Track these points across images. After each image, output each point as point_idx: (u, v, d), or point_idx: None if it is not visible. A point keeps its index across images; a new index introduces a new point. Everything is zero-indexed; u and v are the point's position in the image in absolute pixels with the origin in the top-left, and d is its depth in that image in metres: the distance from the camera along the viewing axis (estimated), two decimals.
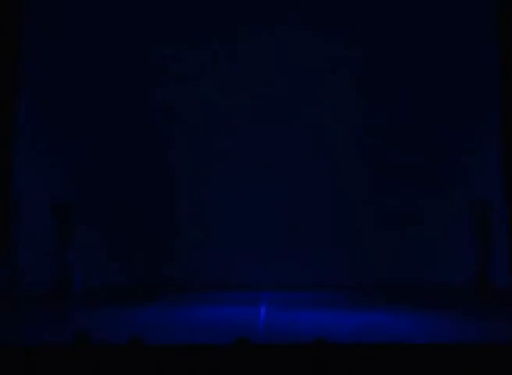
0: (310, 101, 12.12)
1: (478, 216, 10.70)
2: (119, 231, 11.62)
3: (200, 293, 11.33)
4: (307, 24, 11.92)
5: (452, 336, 7.66)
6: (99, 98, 11.90)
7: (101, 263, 11.11)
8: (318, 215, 12.12)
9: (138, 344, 6.03)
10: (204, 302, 10.48)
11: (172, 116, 12.04)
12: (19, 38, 10.48)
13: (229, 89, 12.09)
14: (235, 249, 12.08)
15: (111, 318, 9.23)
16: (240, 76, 12.05)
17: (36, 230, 11.16)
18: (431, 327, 8.29)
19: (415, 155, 11.79)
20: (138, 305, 10.19)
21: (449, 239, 11.31)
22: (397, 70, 11.86)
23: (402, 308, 9.69)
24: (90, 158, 11.86)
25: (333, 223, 12.00)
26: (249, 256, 12.08)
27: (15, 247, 10.87)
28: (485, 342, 6.95)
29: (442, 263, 11.24)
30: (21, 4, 10.61)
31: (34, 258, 11.03)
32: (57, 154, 11.71)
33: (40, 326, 8.51)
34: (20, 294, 10.64)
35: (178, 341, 7.33)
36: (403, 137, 11.85)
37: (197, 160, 12.17)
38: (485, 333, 7.80)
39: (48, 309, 9.78)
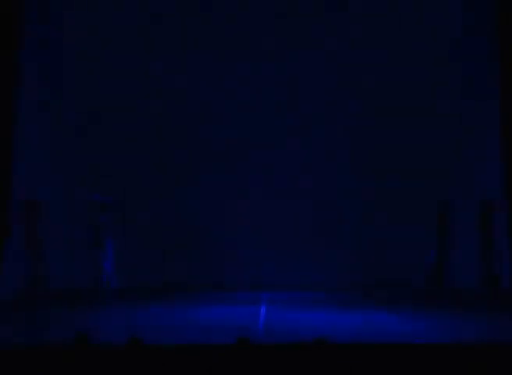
0: (312, 105, 12.19)
1: (439, 216, 10.75)
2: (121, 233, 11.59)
3: (200, 293, 11.35)
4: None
5: (452, 336, 7.67)
6: (101, 98, 11.92)
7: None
8: (317, 216, 12.14)
9: (138, 344, 6.03)
10: (205, 302, 10.48)
11: (183, 118, 12.12)
12: (19, 38, 10.46)
13: (232, 96, 12.15)
14: (236, 250, 12.09)
15: (111, 318, 9.24)
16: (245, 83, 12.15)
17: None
18: (431, 327, 8.30)
19: (412, 158, 11.87)
20: (138, 305, 10.20)
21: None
22: (395, 70, 11.90)
23: (402, 308, 9.71)
24: (89, 160, 11.90)
25: (333, 223, 12.03)
26: (250, 256, 12.08)
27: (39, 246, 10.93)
28: (485, 342, 6.95)
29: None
30: (21, 4, 10.59)
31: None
32: (57, 154, 11.74)
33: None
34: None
35: (178, 341, 7.33)
36: (398, 142, 11.92)
37: (199, 163, 12.21)
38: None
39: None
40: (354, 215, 11.97)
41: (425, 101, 11.88)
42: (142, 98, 12.05)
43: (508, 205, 10.70)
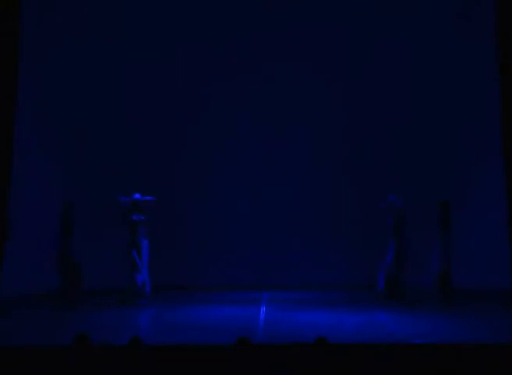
0: (306, 104, 12.24)
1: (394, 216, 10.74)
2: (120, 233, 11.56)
3: (200, 293, 11.35)
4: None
5: (452, 336, 7.68)
6: (103, 99, 11.92)
7: (102, 265, 11.10)
8: (317, 217, 12.15)
9: (138, 344, 6.03)
10: (204, 302, 10.49)
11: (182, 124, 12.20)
12: (19, 38, 10.46)
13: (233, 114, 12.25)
14: (236, 250, 12.10)
15: (111, 318, 9.23)
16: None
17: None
18: (431, 327, 8.30)
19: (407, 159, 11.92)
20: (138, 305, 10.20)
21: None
22: (395, 75, 11.94)
23: (402, 309, 9.71)
24: (90, 161, 11.92)
25: (333, 224, 12.03)
26: (249, 257, 12.10)
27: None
28: (484, 342, 6.95)
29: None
30: (21, 4, 10.58)
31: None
32: (57, 154, 11.74)
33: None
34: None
35: (178, 341, 7.33)
36: (395, 144, 11.97)
37: (200, 163, 12.25)
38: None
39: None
40: (354, 216, 11.97)
41: (425, 102, 11.92)
42: (144, 99, 12.10)
43: (508, 205, 10.69)
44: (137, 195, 10.55)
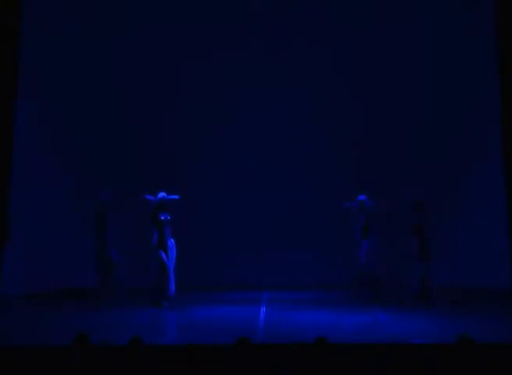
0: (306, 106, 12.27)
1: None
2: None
3: (200, 293, 11.34)
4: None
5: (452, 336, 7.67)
6: (104, 99, 11.92)
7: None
8: (317, 217, 12.16)
9: (138, 344, 6.03)
10: (205, 302, 10.49)
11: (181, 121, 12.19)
12: (19, 38, 10.47)
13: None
14: (236, 250, 12.10)
15: (112, 318, 9.23)
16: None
17: None
18: (431, 327, 8.30)
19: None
20: (138, 305, 10.19)
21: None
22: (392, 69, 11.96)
23: (402, 309, 9.71)
24: (91, 161, 11.93)
25: (333, 225, 12.02)
26: (249, 257, 12.10)
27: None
28: (485, 342, 6.95)
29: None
30: (21, 4, 10.59)
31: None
32: (58, 154, 11.75)
33: None
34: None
35: (178, 341, 7.33)
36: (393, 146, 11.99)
37: (201, 163, 12.26)
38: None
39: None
40: (354, 216, 11.98)
41: (424, 102, 11.93)
42: (144, 99, 12.10)
43: (508, 206, 10.69)
44: (163, 194, 10.23)
